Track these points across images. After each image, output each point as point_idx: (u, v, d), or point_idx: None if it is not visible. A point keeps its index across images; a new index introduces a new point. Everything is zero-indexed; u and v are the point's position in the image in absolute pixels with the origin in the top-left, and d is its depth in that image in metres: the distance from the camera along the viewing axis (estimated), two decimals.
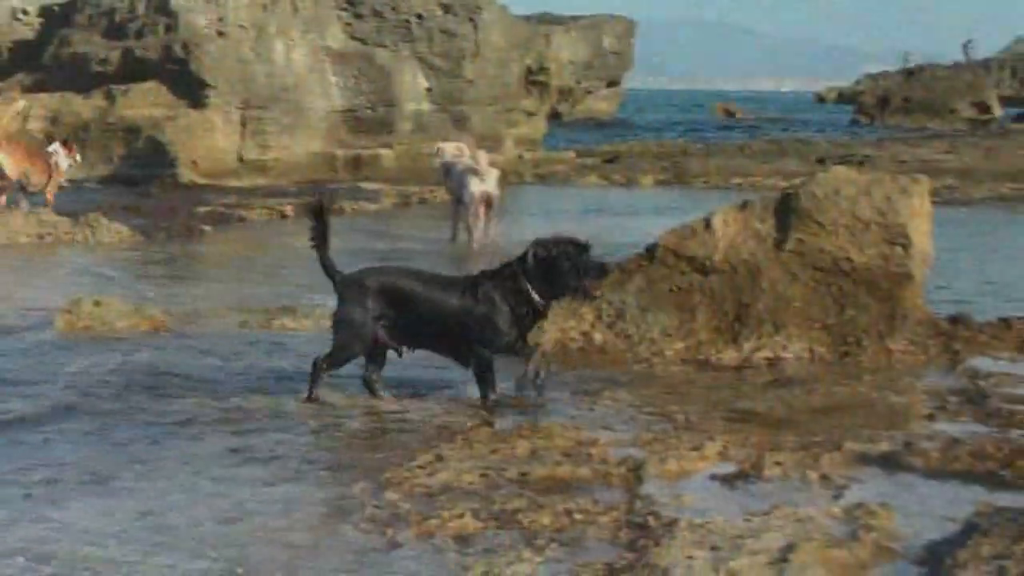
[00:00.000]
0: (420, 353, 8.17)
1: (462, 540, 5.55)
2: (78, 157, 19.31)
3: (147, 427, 7.37)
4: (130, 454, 6.83)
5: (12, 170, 17.88)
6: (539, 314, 7.97)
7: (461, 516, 5.81)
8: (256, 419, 7.53)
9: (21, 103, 21.85)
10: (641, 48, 59.98)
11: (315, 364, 7.89)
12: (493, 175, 16.37)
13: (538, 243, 7.91)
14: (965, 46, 72.57)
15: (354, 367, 8.05)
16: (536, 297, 7.82)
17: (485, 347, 7.85)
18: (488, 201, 16.19)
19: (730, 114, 66.91)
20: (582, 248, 7.85)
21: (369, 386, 7.97)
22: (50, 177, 18.39)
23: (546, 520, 5.77)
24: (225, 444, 7.02)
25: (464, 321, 7.83)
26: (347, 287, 7.94)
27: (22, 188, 18.05)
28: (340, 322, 7.91)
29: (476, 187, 16.13)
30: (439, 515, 5.83)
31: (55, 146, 19.17)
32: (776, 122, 60.39)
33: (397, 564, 5.31)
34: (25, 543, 5.46)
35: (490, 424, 7.46)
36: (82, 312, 10.29)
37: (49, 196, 18.35)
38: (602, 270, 7.96)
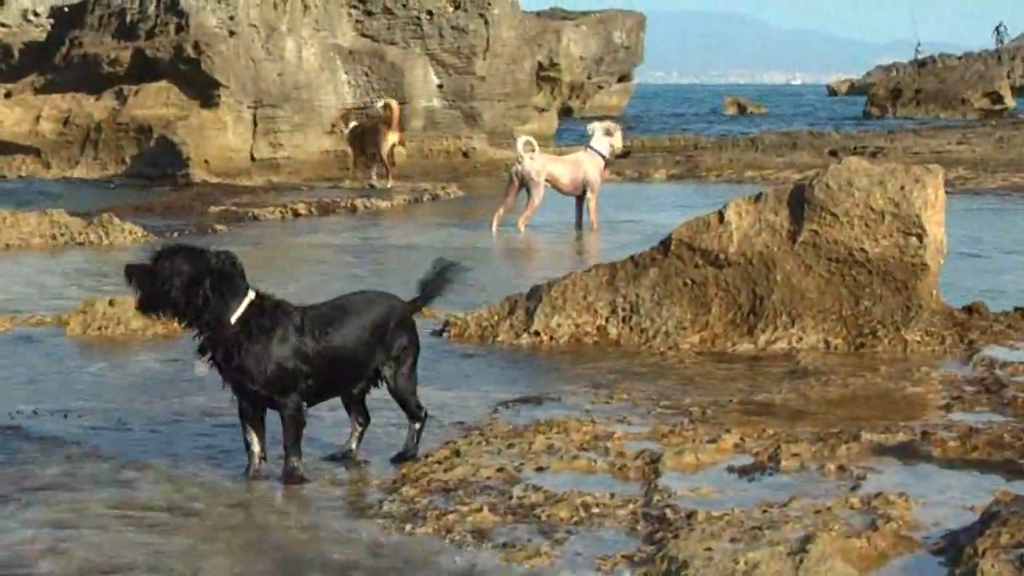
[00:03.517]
0: (433, 352, 8.14)
1: (480, 534, 5.55)
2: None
3: (165, 424, 7.40)
4: (149, 451, 6.84)
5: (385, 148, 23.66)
6: None
7: (479, 510, 5.81)
8: (273, 416, 7.53)
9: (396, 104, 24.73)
10: (651, 42, 59.89)
11: None
12: (530, 158, 17.29)
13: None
14: (997, 29, 72.14)
15: None
16: None
17: None
18: (523, 182, 17.28)
19: (741, 108, 66.75)
20: None
21: None
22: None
23: (564, 514, 5.77)
24: (240, 441, 7.02)
25: None
26: None
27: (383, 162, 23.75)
28: None
29: (514, 168, 17.48)
30: (457, 510, 5.83)
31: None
32: (788, 115, 60.30)
33: (414, 555, 5.31)
34: (44, 532, 5.49)
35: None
36: (96, 313, 10.30)
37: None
38: None
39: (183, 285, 6.12)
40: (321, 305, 6.58)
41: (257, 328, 6.21)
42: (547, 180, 17.25)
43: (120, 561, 5.26)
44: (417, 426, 6.75)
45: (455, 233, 17.27)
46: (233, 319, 6.18)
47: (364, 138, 24.13)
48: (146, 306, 6.28)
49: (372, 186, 23.30)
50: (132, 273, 6.24)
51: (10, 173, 25.67)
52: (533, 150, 17.40)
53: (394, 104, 24.28)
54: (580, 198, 17.45)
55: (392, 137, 23.88)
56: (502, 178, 25.53)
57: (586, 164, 17.41)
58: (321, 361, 6.33)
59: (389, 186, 23.21)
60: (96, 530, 5.62)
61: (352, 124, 24.55)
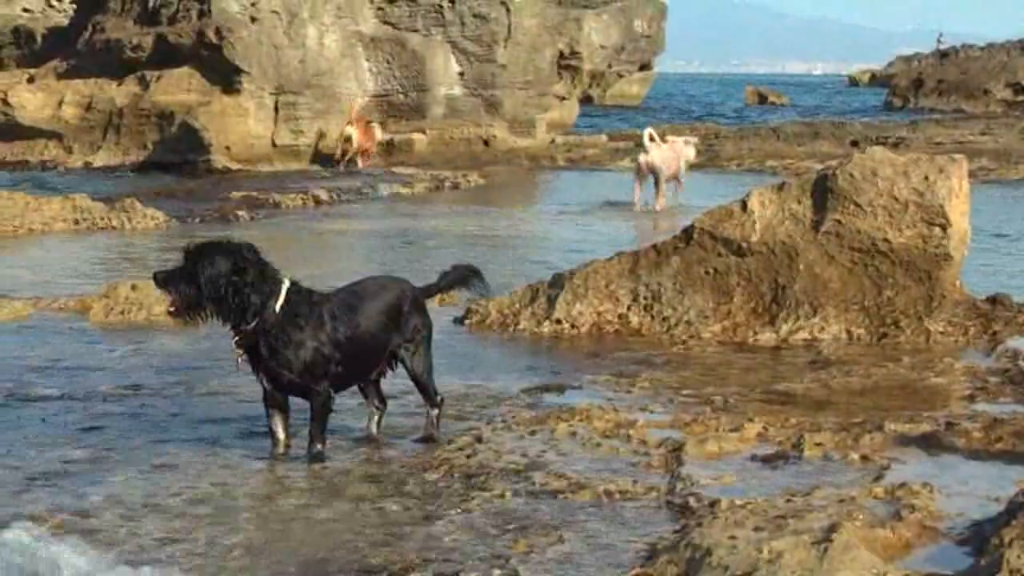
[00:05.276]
0: (455, 340, 8.13)
1: (502, 518, 5.55)
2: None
3: (189, 408, 7.41)
4: (173, 434, 6.85)
5: (361, 139, 25.37)
6: None
7: (501, 496, 5.81)
8: (295, 401, 7.54)
9: (360, 100, 26.83)
10: (672, 31, 59.77)
11: None
12: (658, 149, 18.78)
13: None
14: None
15: None
16: None
17: None
18: (650, 169, 18.75)
19: (762, 98, 66.56)
20: None
21: None
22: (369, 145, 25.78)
23: (586, 500, 5.76)
24: (264, 425, 7.02)
25: None
26: None
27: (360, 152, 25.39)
28: None
29: (640, 158, 18.90)
30: (479, 495, 5.83)
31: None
32: (809, 105, 60.12)
33: (436, 540, 5.31)
34: (69, 516, 5.51)
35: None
36: (119, 297, 10.32)
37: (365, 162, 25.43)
38: None
39: (226, 283, 6.11)
40: (339, 291, 6.60)
41: (299, 316, 6.23)
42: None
43: (147, 547, 5.27)
44: (435, 412, 6.79)
45: (476, 220, 17.26)
46: (277, 308, 6.20)
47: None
48: (185, 310, 6.20)
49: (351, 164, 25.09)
50: (167, 280, 6.18)
51: (32, 158, 25.71)
52: (654, 140, 18.75)
53: (355, 103, 26.22)
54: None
55: (345, 131, 25.54)
56: (523, 166, 25.61)
57: (682, 151, 19.28)
58: (350, 347, 6.35)
59: (341, 169, 24.73)
60: (122, 514, 5.63)
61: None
